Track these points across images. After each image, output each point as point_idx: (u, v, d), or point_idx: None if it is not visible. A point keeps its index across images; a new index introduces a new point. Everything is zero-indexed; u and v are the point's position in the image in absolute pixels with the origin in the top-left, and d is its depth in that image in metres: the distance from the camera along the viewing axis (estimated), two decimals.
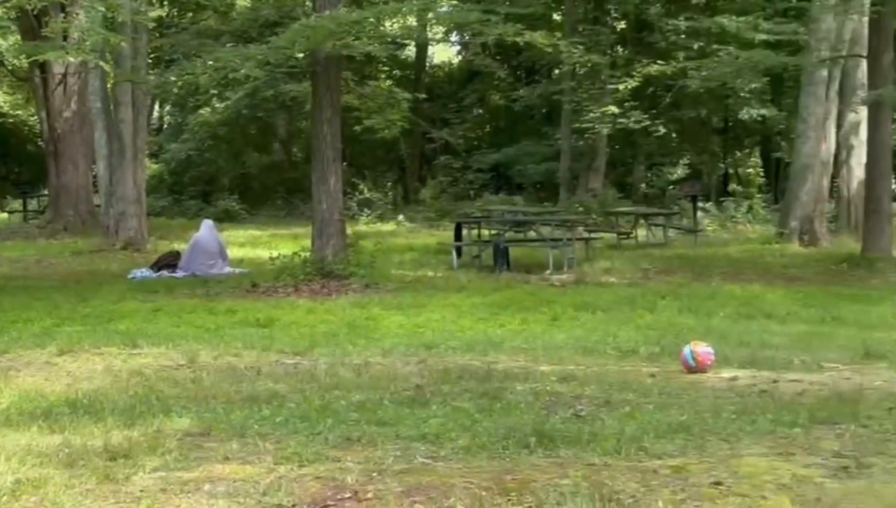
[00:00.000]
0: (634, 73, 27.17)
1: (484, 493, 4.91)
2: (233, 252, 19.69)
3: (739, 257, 20.48)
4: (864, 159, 20.39)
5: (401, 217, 29.51)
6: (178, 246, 19.85)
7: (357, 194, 32.35)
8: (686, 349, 8.53)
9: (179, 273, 17.53)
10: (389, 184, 36.24)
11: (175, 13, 31.41)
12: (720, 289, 15.34)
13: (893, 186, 21.12)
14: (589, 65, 24.80)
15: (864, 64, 20.97)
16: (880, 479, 5.46)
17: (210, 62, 16.42)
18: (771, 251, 21.22)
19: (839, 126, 23.37)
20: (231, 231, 25.14)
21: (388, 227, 28.11)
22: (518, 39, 15.80)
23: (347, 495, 4.92)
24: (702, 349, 8.51)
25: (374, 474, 5.24)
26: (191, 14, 30.89)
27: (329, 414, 6.66)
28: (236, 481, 5.15)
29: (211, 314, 12.79)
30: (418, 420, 6.48)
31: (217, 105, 34.12)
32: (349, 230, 18.16)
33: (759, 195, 29.92)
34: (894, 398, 7.07)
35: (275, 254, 16.96)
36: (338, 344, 10.13)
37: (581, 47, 20.24)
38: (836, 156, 23.48)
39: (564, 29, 28.71)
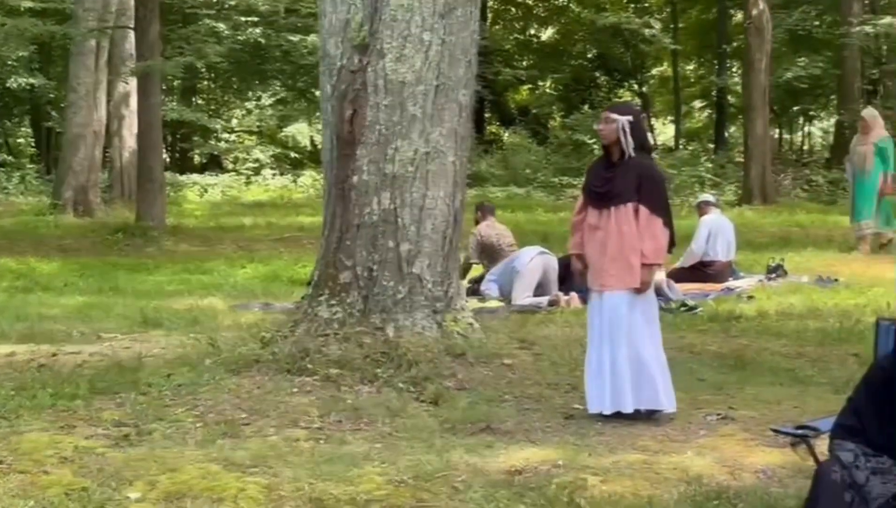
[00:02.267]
0: None
1: None
2: None
3: (13, 228, 19.86)
4: (135, 129, 20.72)
5: None
6: None
7: None
8: None
9: None
10: None
11: None
12: None
13: (164, 156, 21.71)
14: None
15: (132, 35, 21.24)
16: (160, 444, 5.60)
17: None
18: (45, 223, 20.79)
19: (110, 96, 23.53)
20: None
21: None
22: None
23: None
24: None
25: None
26: None
27: None
28: None
29: None
30: None
31: None
32: None
33: (30, 166, 29.15)
34: (172, 365, 7.27)
35: None
36: None
37: None
38: (108, 126, 23.62)
39: None
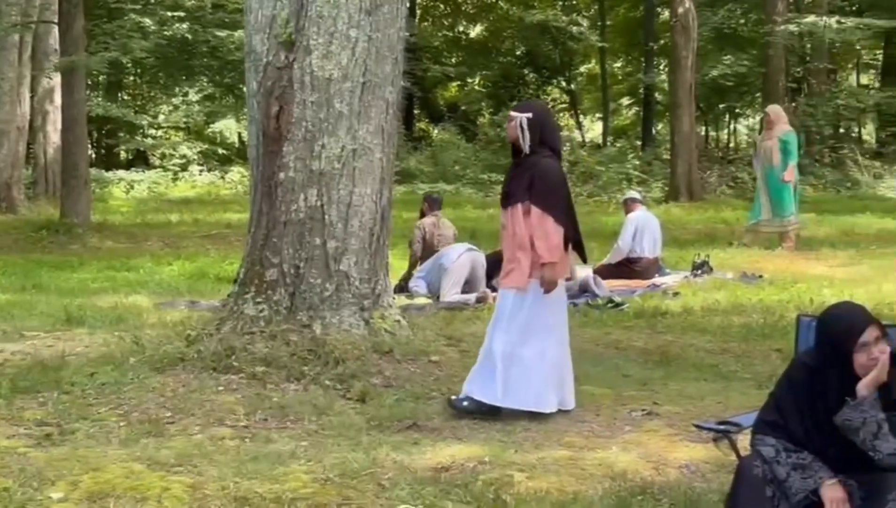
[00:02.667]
0: None
1: None
2: None
3: None
4: (59, 125, 20.39)
5: None
6: None
7: None
8: None
9: None
10: None
11: None
12: None
13: (90, 152, 21.39)
14: None
15: (56, 30, 20.91)
16: (83, 444, 5.54)
17: None
18: None
19: (33, 92, 23.16)
20: None
21: None
22: None
23: None
24: None
25: None
26: None
27: None
28: None
29: None
30: None
31: None
32: None
33: None
34: (96, 364, 7.17)
35: None
36: None
37: None
38: (32, 122, 23.25)
39: None
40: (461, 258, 11.27)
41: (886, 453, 3.71)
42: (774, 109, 15.77)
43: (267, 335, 7.26)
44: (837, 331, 3.86)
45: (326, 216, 7.44)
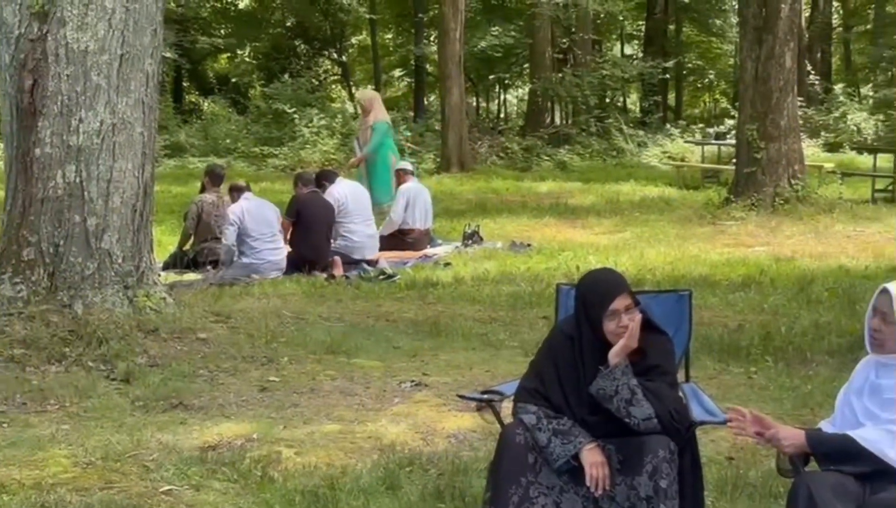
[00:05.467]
0: None
1: None
2: None
3: None
4: None
5: None
6: None
7: None
8: None
9: None
10: None
11: None
12: None
13: None
14: None
15: None
16: None
17: None
18: None
19: None
20: None
21: None
22: None
23: None
24: None
25: None
26: None
27: None
28: None
29: None
30: None
31: None
32: None
33: None
34: None
35: None
36: None
37: None
38: None
39: None
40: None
41: (641, 418, 3.83)
42: (366, 96, 15.44)
43: (25, 317, 7.00)
44: (590, 299, 3.97)
45: (86, 193, 7.19)
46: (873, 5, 41.31)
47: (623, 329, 3.87)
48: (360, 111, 15.86)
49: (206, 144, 27.01)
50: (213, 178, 11.72)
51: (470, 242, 12.90)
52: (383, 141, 14.49)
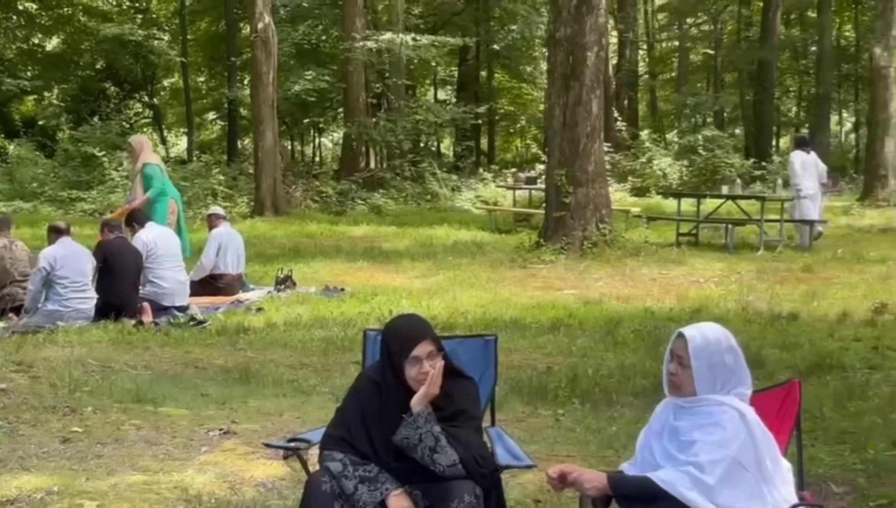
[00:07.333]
0: None
1: None
2: None
3: None
4: None
5: None
6: None
7: None
8: None
9: None
10: None
11: None
12: None
13: None
14: None
15: None
16: None
17: None
18: None
19: None
20: None
21: None
22: None
23: None
24: None
25: None
26: None
27: None
28: None
29: None
30: None
31: None
32: None
33: None
34: None
35: None
36: None
37: None
38: None
39: None
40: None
41: (446, 465, 3.85)
42: (136, 140, 14.79)
43: None
44: (392, 346, 3.98)
45: None
46: (677, 54, 43.15)
47: (424, 376, 3.89)
48: (128, 156, 15.25)
49: (12, 187, 26.13)
50: (1, 224, 11.27)
51: (283, 286, 12.81)
52: (161, 186, 13.91)
